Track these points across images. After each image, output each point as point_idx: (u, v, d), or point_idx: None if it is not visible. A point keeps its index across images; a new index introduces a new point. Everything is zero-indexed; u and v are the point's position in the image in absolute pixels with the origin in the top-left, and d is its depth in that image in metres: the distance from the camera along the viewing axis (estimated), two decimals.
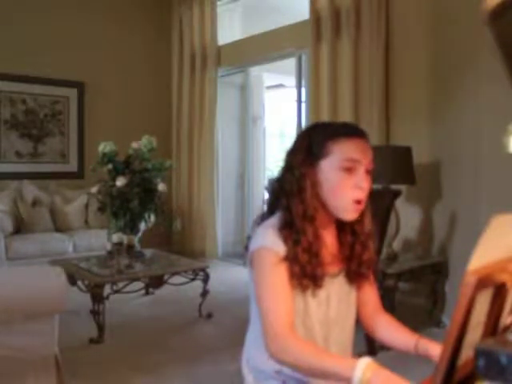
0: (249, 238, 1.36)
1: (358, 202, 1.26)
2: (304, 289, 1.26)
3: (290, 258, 1.23)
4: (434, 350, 1.21)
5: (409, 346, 1.29)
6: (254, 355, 1.36)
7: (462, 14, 3.33)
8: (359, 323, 1.44)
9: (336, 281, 1.34)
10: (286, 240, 1.25)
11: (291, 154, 1.32)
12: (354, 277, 1.36)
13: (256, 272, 1.26)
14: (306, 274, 1.25)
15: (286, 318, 1.19)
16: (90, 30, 5.96)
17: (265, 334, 1.20)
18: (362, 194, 1.26)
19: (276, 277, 1.23)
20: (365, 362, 1.05)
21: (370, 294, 1.43)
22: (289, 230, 1.25)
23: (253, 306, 1.35)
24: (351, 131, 1.28)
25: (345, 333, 1.38)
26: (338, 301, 1.34)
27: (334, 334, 1.35)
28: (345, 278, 1.36)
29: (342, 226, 1.36)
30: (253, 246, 1.28)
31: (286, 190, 1.29)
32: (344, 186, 1.24)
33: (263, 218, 1.37)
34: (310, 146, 1.28)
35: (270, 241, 1.25)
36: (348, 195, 1.25)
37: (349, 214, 1.27)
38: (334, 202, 1.27)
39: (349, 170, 1.24)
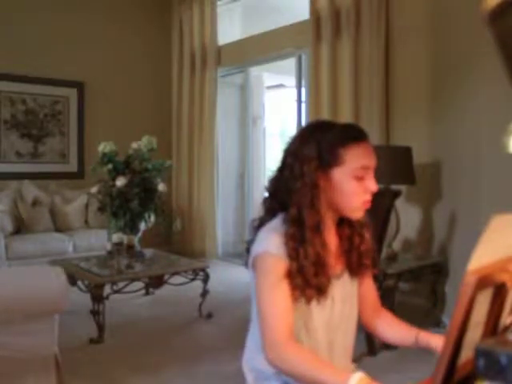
0: (250, 241, 1.34)
1: (368, 201, 1.30)
2: (308, 299, 1.26)
3: (295, 271, 1.23)
4: (435, 341, 1.23)
5: (409, 340, 1.30)
6: (254, 355, 1.36)
7: (462, 14, 3.33)
8: (359, 321, 1.45)
9: (340, 282, 1.34)
10: (290, 252, 1.23)
11: (300, 161, 1.26)
12: (356, 269, 1.37)
13: (258, 277, 1.26)
14: (310, 285, 1.24)
15: (285, 325, 1.19)
16: (90, 29, 5.96)
17: (263, 339, 1.21)
18: (371, 195, 1.30)
19: (277, 283, 1.22)
20: (358, 376, 1.06)
21: (370, 289, 1.44)
22: (297, 242, 1.24)
23: (254, 306, 1.35)
24: (359, 135, 1.28)
25: (348, 335, 1.39)
26: (342, 302, 1.35)
27: (338, 338, 1.35)
28: (348, 275, 1.37)
29: (339, 221, 1.36)
30: (256, 249, 1.28)
31: (296, 200, 1.25)
32: (357, 192, 1.27)
33: (262, 220, 1.36)
34: (319, 154, 1.26)
35: (273, 246, 1.24)
36: (360, 199, 1.28)
37: (358, 213, 1.30)
38: (345, 205, 1.28)
39: (361, 177, 1.26)
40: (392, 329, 1.37)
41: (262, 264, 1.25)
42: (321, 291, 1.26)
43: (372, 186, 1.27)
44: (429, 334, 1.28)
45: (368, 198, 1.28)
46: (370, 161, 1.27)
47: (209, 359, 3.09)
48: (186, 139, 6.28)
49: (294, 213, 1.25)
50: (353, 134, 1.28)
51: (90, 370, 2.93)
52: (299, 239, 1.24)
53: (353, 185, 1.26)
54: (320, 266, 1.25)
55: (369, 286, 1.43)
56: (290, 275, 1.23)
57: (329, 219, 1.31)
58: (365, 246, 1.36)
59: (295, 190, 1.26)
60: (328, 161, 1.25)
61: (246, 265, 1.34)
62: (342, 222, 1.36)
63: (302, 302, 1.27)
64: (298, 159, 1.27)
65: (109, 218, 4.15)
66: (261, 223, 1.36)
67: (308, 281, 1.24)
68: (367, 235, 1.38)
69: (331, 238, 1.34)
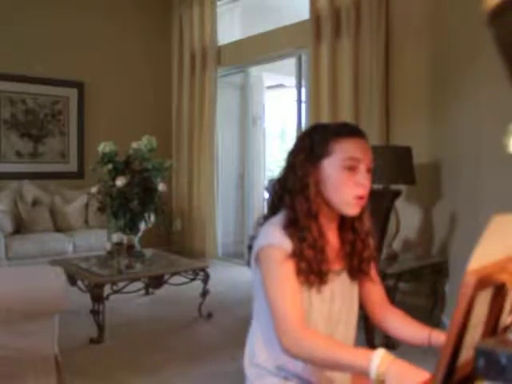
0: (252, 237, 1.37)
1: (360, 197, 1.29)
2: (310, 285, 1.28)
3: (297, 255, 1.25)
4: None
5: (421, 338, 1.30)
6: (255, 352, 1.37)
7: (462, 14, 3.33)
8: (370, 321, 1.45)
9: (339, 278, 1.36)
10: (291, 237, 1.26)
11: (293, 154, 1.34)
12: (356, 274, 1.38)
13: (264, 270, 1.27)
14: (312, 270, 1.26)
15: (296, 313, 1.21)
16: (89, 29, 5.96)
17: (277, 330, 1.21)
18: (364, 191, 1.29)
19: (284, 274, 1.24)
20: (380, 353, 1.06)
21: (374, 290, 1.44)
22: (294, 227, 1.27)
23: (256, 303, 1.36)
24: (351, 131, 1.31)
25: (348, 331, 1.40)
26: (342, 298, 1.36)
27: (338, 333, 1.36)
28: (347, 276, 1.38)
29: (342, 224, 1.38)
30: (259, 244, 1.29)
31: (289, 188, 1.31)
32: (346, 184, 1.27)
33: (266, 218, 1.39)
34: (311, 146, 1.30)
35: (276, 239, 1.26)
36: (350, 192, 1.28)
37: (351, 208, 1.30)
38: (337, 199, 1.29)
39: (350, 168, 1.27)
40: (403, 326, 1.37)
41: (267, 257, 1.26)
42: (322, 277, 1.28)
43: (362, 179, 1.27)
44: (441, 334, 1.27)
45: (359, 193, 1.28)
46: (361, 154, 1.27)
47: (209, 359, 3.09)
48: (186, 139, 6.28)
49: (287, 200, 1.31)
50: (345, 130, 1.31)
51: (90, 370, 2.93)
52: (295, 224, 1.27)
53: (341, 176, 1.27)
54: (318, 250, 1.27)
55: (372, 289, 1.44)
56: (293, 260, 1.24)
57: (326, 214, 1.32)
58: (367, 252, 1.37)
59: (287, 179, 1.32)
60: (318, 153, 1.29)
61: (248, 263, 1.36)
62: (345, 226, 1.37)
63: (304, 294, 1.28)
64: (292, 153, 1.34)
65: (109, 218, 4.15)
66: (264, 220, 1.38)
67: (310, 264, 1.26)
68: (371, 243, 1.38)
69: (331, 235, 1.36)
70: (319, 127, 1.36)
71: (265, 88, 6.68)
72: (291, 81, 5.86)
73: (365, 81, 4.37)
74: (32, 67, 5.55)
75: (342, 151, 1.27)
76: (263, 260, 1.27)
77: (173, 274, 3.82)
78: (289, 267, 1.24)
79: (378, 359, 1.05)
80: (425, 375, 1.02)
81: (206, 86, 6.08)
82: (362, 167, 1.28)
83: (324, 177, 1.28)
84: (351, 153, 1.27)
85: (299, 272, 1.25)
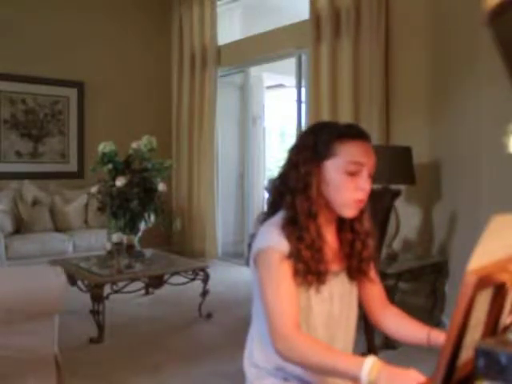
0: (252, 235, 1.37)
1: (360, 201, 1.29)
2: (308, 285, 1.28)
3: (294, 255, 1.25)
4: None
5: (421, 338, 1.30)
6: (255, 352, 1.37)
7: (462, 14, 3.33)
8: (369, 321, 1.45)
9: (338, 279, 1.35)
10: (289, 237, 1.26)
11: (295, 152, 1.33)
12: (355, 274, 1.38)
13: (261, 272, 1.27)
14: (310, 270, 1.26)
15: (291, 317, 1.20)
16: (90, 29, 5.96)
17: (271, 333, 1.21)
18: (364, 195, 1.29)
19: (281, 276, 1.24)
20: (371, 360, 1.07)
21: (374, 290, 1.44)
22: (292, 226, 1.27)
23: (256, 303, 1.36)
24: (357, 133, 1.30)
25: (348, 332, 1.39)
26: (341, 298, 1.36)
27: (339, 333, 1.36)
28: (346, 276, 1.38)
29: (341, 225, 1.38)
30: (257, 245, 1.29)
31: (290, 187, 1.30)
32: (347, 187, 1.27)
33: (266, 216, 1.38)
34: (315, 145, 1.29)
35: (274, 240, 1.26)
36: (350, 196, 1.28)
37: (350, 210, 1.30)
38: (336, 200, 1.29)
39: (353, 173, 1.26)
40: (402, 327, 1.37)
41: (265, 259, 1.26)
42: (320, 277, 1.27)
43: (363, 183, 1.27)
44: (440, 334, 1.27)
45: (360, 196, 1.28)
46: (365, 159, 1.27)
47: (209, 359, 3.09)
48: (186, 139, 6.28)
49: (288, 199, 1.30)
50: (351, 132, 1.30)
51: (90, 369, 2.93)
52: (294, 223, 1.27)
53: (343, 179, 1.27)
54: (316, 251, 1.26)
55: (371, 289, 1.43)
56: (290, 261, 1.24)
57: (325, 214, 1.32)
58: (366, 253, 1.37)
59: (289, 177, 1.31)
60: (322, 153, 1.28)
61: (247, 262, 1.35)
62: (344, 227, 1.37)
63: (302, 295, 1.27)
64: (295, 150, 1.33)
65: (109, 218, 4.15)
66: (264, 219, 1.38)
67: (307, 264, 1.25)
68: (370, 244, 1.38)
69: (330, 235, 1.35)
70: (324, 126, 1.35)
71: (265, 88, 6.68)
72: (291, 81, 5.86)
73: (365, 81, 4.37)
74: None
75: (347, 154, 1.26)
76: (261, 262, 1.27)
77: (173, 274, 3.82)
78: (286, 269, 1.24)
79: (369, 366, 1.06)
80: (416, 378, 1.02)
81: (205, 86, 6.08)
82: (365, 172, 1.27)
83: (326, 178, 1.28)
84: (356, 157, 1.26)
85: (297, 273, 1.25)
